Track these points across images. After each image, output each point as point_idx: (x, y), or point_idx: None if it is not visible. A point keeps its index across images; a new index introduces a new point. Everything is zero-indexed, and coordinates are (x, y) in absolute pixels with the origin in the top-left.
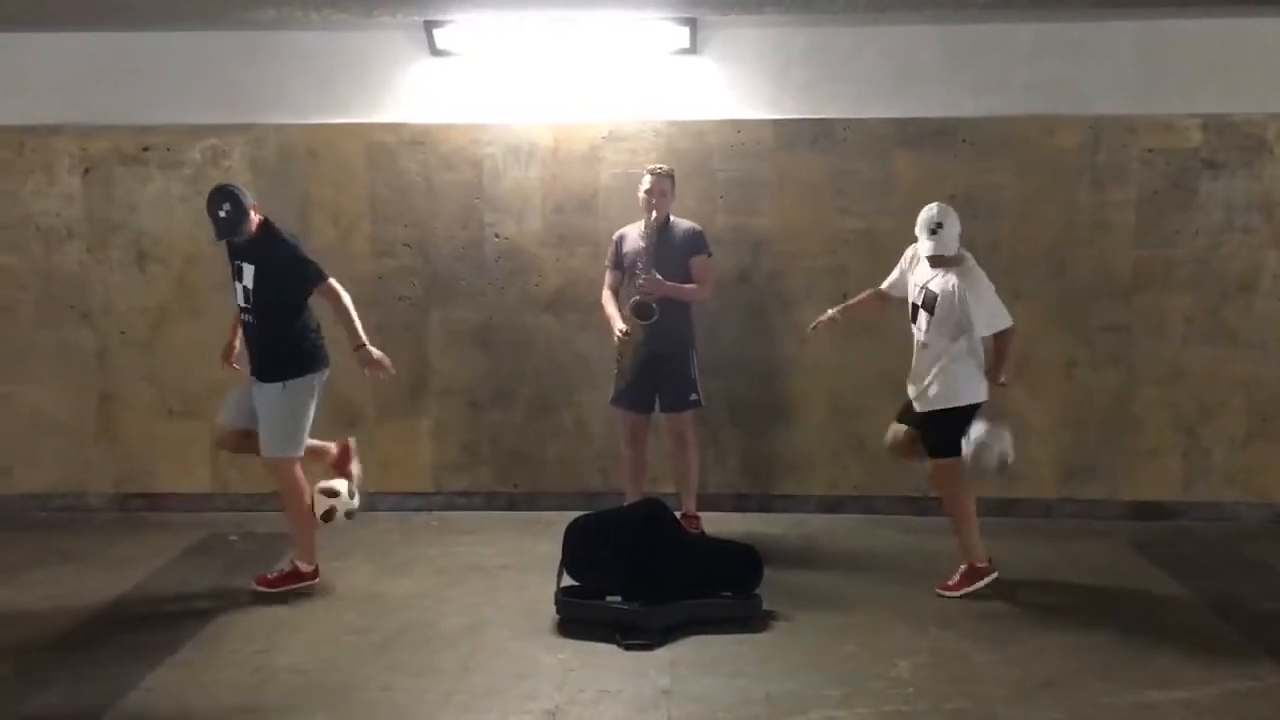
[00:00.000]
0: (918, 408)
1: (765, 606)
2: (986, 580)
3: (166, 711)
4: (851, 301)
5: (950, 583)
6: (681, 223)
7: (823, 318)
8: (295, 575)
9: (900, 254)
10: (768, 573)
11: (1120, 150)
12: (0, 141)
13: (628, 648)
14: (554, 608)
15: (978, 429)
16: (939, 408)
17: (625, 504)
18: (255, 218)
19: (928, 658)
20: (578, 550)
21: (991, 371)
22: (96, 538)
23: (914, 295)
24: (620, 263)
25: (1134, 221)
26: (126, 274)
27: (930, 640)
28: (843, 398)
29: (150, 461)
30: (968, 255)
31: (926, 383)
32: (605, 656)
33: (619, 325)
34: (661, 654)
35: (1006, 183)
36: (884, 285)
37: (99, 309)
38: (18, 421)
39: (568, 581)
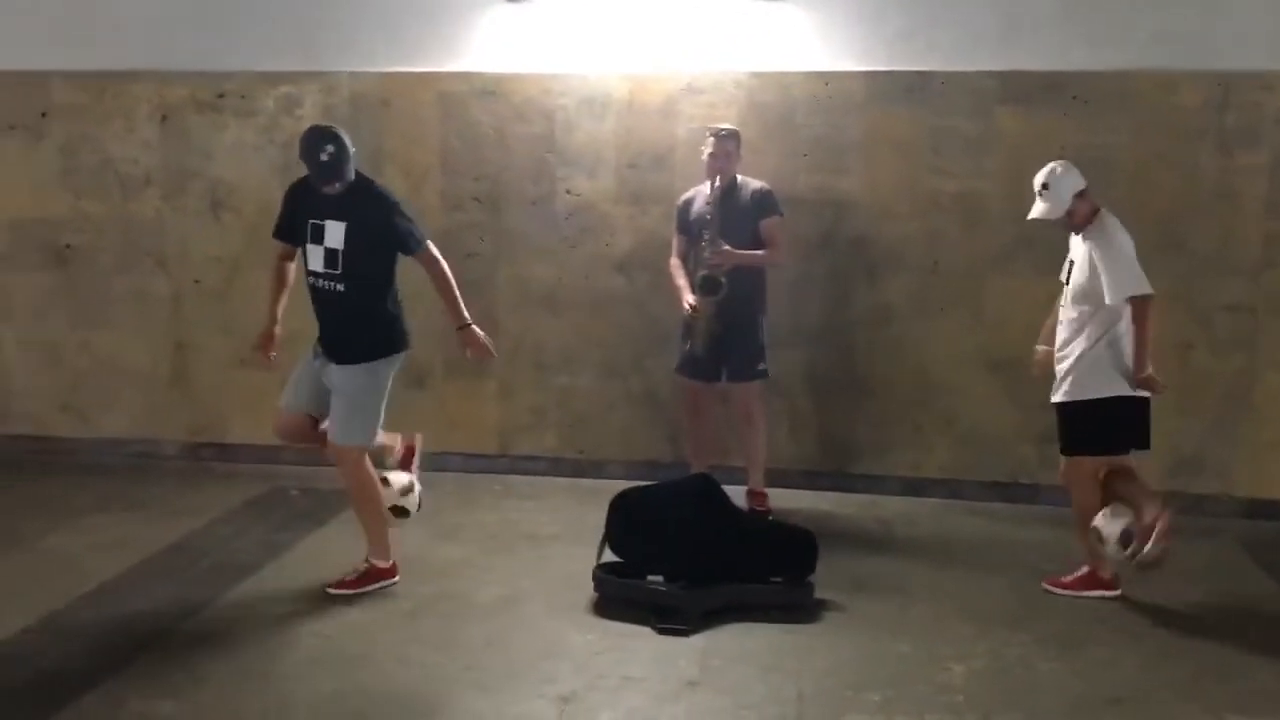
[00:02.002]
0: (1051, 397)
1: (818, 595)
2: (1102, 594)
3: (176, 671)
4: (1050, 320)
5: (1064, 579)
6: (750, 183)
7: (1038, 358)
8: (372, 574)
9: (999, 221)
10: (829, 558)
11: (1252, 110)
12: (81, 87)
13: (661, 632)
14: (591, 584)
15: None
16: (1068, 399)
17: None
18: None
19: (986, 662)
20: (622, 525)
21: (1133, 358)
22: (164, 486)
23: (1063, 273)
24: (687, 228)
25: (1265, 190)
26: (202, 222)
27: (993, 643)
28: (930, 373)
29: (222, 412)
30: (1107, 214)
31: (1061, 369)
32: (636, 640)
33: (688, 299)
34: (696, 641)
35: (1121, 144)
36: (1061, 276)
37: (175, 257)
38: (96, 367)
39: (610, 557)
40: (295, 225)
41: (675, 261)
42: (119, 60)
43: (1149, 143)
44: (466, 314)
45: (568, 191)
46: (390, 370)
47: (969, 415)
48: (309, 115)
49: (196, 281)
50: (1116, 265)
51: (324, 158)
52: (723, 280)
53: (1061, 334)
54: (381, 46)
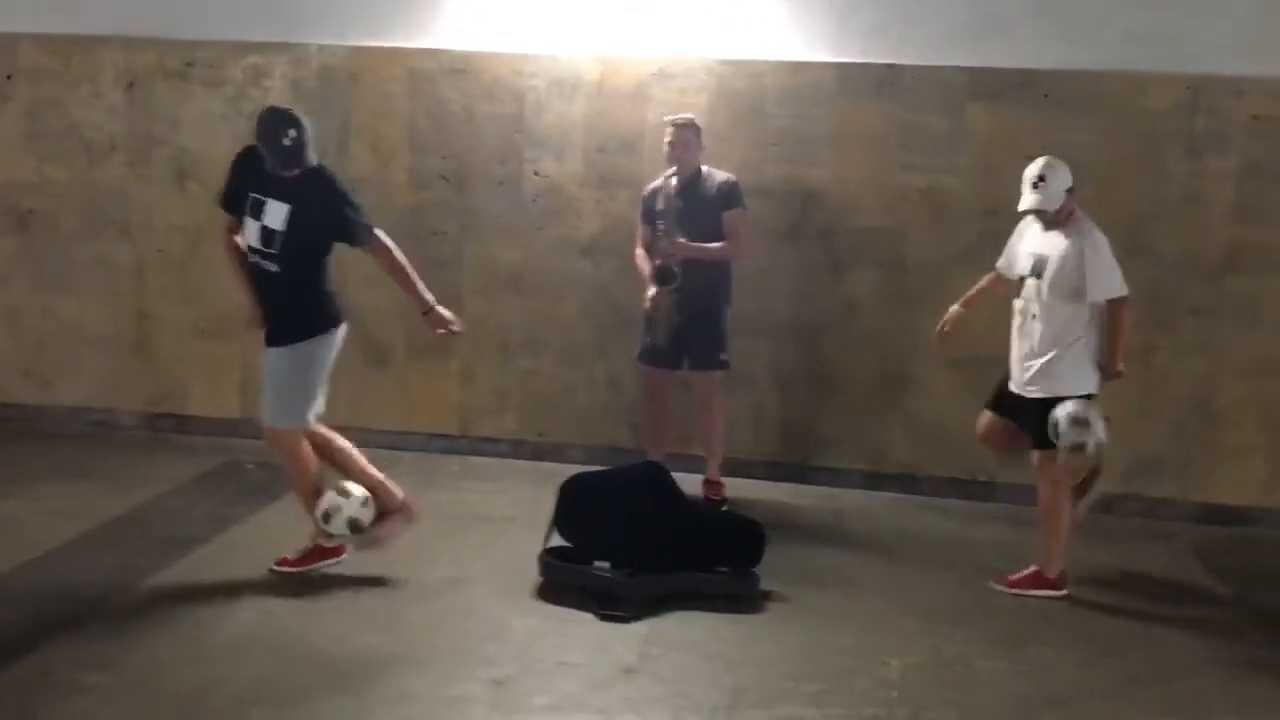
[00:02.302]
0: (1021, 392)
1: (765, 586)
2: (1049, 594)
3: (109, 643)
4: (972, 290)
5: (1011, 578)
6: (715, 174)
7: (948, 317)
8: (317, 552)
9: (966, 218)
10: (781, 549)
11: (1222, 115)
12: (49, 50)
13: (604, 618)
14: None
15: (1073, 407)
16: (1048, 395)
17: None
18: None
19: (926, 658)
20: (571, 510)
21: (1108, 355)
22: (120, 456)
23: (1022, 266)
24: (652, 218)
25: (1232, 196)
26: (166, 191)
27: (935, 639)
28: (892, 368)
29: (182, 383)
30: (1084, 217)
31: (1033, 364)
32: (578, 626)
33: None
34: (638, 628)
35: (1090, 144)
36: (1000, 264)
37: (138, 225)
38: (59, 333)
39: (558, 541)
40: (242, 195)
41: (640, 251)
42: (87, 25)
43: (1118, 144)
44: (429, 296)
45: (536, 173)
46: (324, 349)
47: (930, 411)
48: (277, 87)
49: (160, 250)
50: (1104, 265)
51: (286, 143)
52: (676, 270)
53: (1028, 334)
54: (352, 20)
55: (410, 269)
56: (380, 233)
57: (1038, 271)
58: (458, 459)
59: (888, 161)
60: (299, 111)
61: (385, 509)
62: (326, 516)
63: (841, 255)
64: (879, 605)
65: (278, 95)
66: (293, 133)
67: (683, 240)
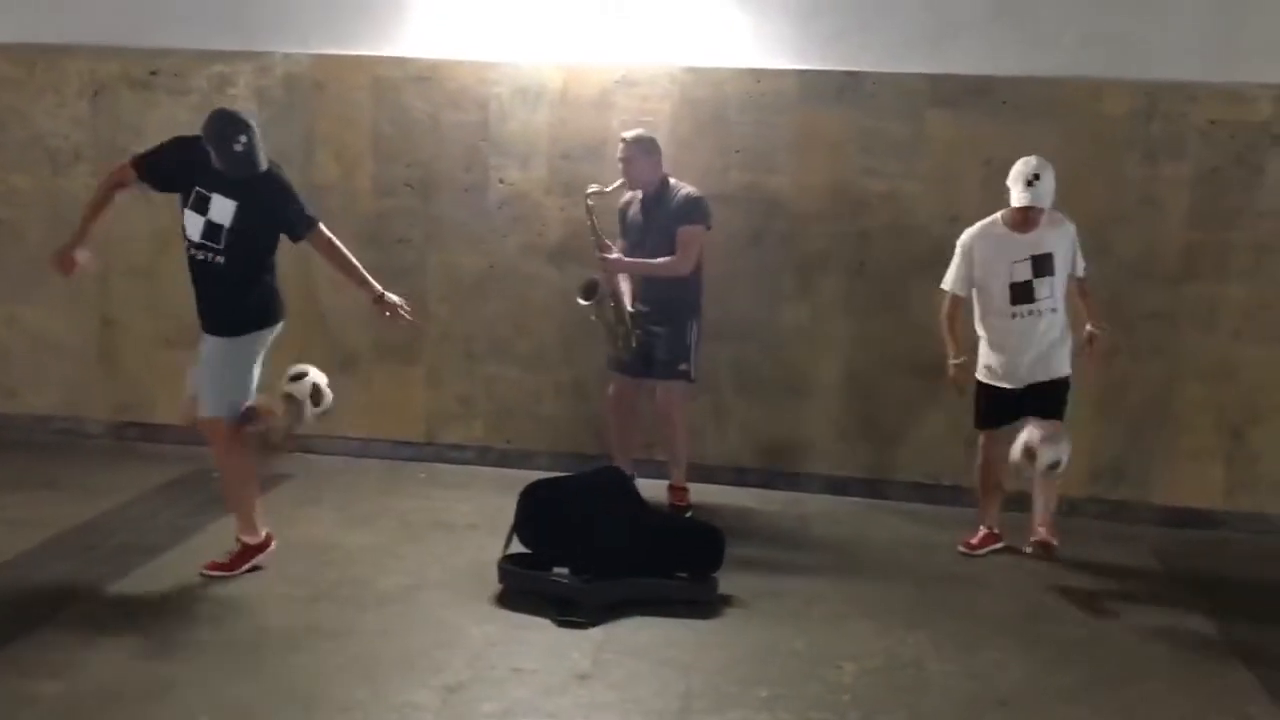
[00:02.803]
0: (1040, 377)
1: (724, 591)
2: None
3: (62, 651)
4: (952, 333)
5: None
6: (680, 188)
7: (955, 374)
8: (247, 552)
9: (927, 224)
10: (743, 554)
11: (1178, 120)
12: (12, 59)
13: (561, 624)
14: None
15: (1045, 428)
16: (1058, 376)
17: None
18: None
19: (881, 661)
20: (530, 516)
21: (1091, 317)
22: (85, 465)
23: (1014, 273)
24: (624, 232)
25: (1188, 200)
26: (131, 200)
27: (890, 642)
28: (856, 374)
29: (148, 391)
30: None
31: (1048, 354)
32: (534, 632)
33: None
34: (594, 634)
35: (1048, 150)
36: (952, 288)
37: (103, 234)
38: (24, 342)
39: (519, 548)
40: (172, 180)
41: None
42: (51, 34)
43: (1076, 149)
44: (376, 284)
45: (500, 180)
46: (261, 345)
47: (894, 415)
48: (242, 95)
49: (125, 259)
50: (1078, 247)
51: (237, 148)
52: (597, 281)
53: (1035, 326)
54: (316, 28)
55: (353, 258)
56: (322, 225)
57: (1047, 269)
58: (424, 466)
59: (849, 167)
60: (247, 115)
61: (243, 541)
62: (299, 376)
63: (804, 261)
64: (836, 609)
65: (243, 103)
66: (244, 139)
67: (615, 255)
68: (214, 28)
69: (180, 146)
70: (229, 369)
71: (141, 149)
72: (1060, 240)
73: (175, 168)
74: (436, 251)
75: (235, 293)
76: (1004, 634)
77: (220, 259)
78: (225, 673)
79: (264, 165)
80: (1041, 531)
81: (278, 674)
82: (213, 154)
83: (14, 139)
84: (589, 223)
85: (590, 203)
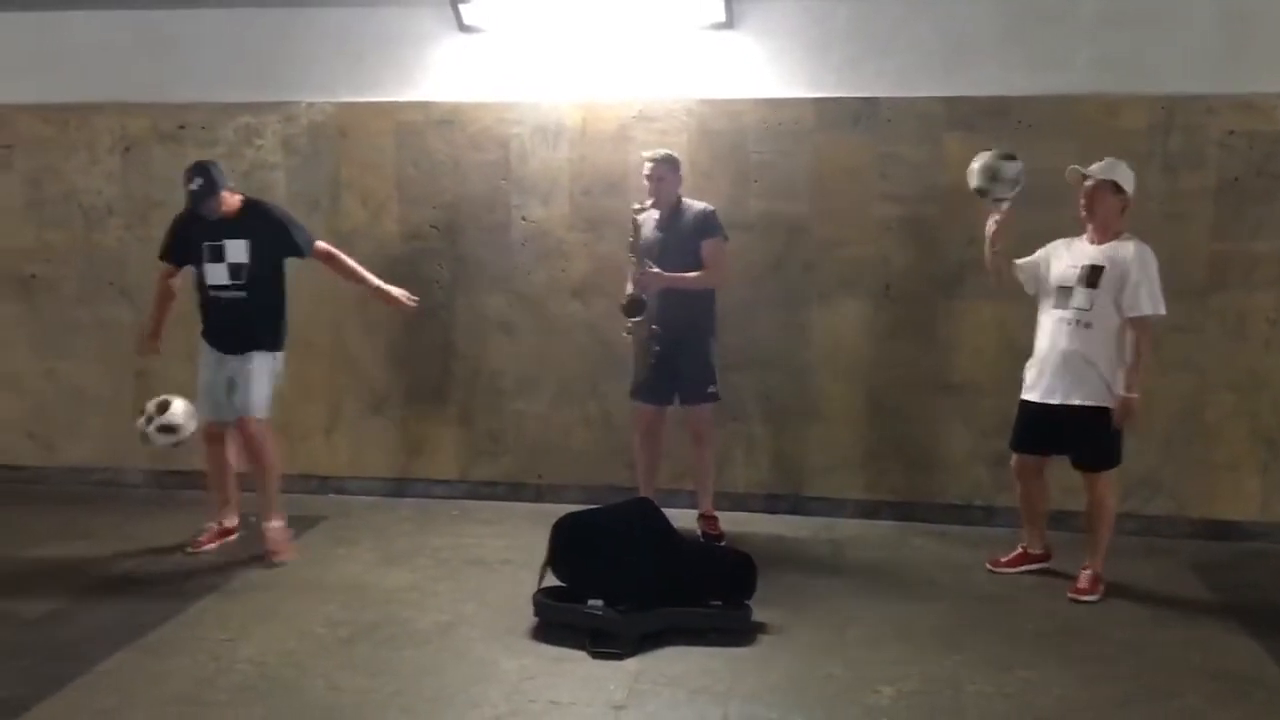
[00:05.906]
0: (1073, 399)
1: (758, 618)
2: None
3: (108, 699)
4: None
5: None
6: (694, 205)
7: (992, 229)
8: (219, 533)
9: (947, 246)
10: (776, 580)
11: (1196, 132)
12: (45, 118)
13: (595, 656)
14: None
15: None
16: (1103, 404)
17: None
18: (232, 196)
19: (918, 684)
20: (563, 549)
21: (1128, 373)
22: (124, 513)
23: (1066, 277)
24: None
25: (1211, 212)
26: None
27: (927, 664)
28: (883, 397)
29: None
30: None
31: (1078, 367)
32: (569, 664)
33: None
34: (629, 665)
35: (1068, 167)
36: (1018, 260)
37: (136, 286)
38: (61, 396)
39: (553, 581)
40: (186, 249)
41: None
42: (83, 93)
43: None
44: (375, 278)
45: (523, 218)
46: (283, 358)
47: (922, 438)
48: (269, 145)
49: None
50: (1150, 279)
51: (193, 188)
52: (644, 299)
53: (1069, 329)
54: (339, 77)
55: (353, 261)
56: (319, 241)
57: (1092, 281)
58: (457, 504)
59: (868, 193)
60: (211, 163)
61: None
62: (163, 406)
63: (826, 286)
64: (871, 633)
65: (270, 152)
66: (199, 180)
67: (655, 270)
68: (239, 82)
69: (176, 222)
70: (268, 378)
71: (174, 202)
72: (1116, 257)
73: (179, 242)
74: (463, 291)
75: (261, 317)
76: (1040, 653)
77: (243, 293)
78: (267, 713)
79: (215, 208)
80: None
81: (317, 714)
82: (188, 203)
83: (49, 196)
84: (630, 239)
85: (638, 219)
